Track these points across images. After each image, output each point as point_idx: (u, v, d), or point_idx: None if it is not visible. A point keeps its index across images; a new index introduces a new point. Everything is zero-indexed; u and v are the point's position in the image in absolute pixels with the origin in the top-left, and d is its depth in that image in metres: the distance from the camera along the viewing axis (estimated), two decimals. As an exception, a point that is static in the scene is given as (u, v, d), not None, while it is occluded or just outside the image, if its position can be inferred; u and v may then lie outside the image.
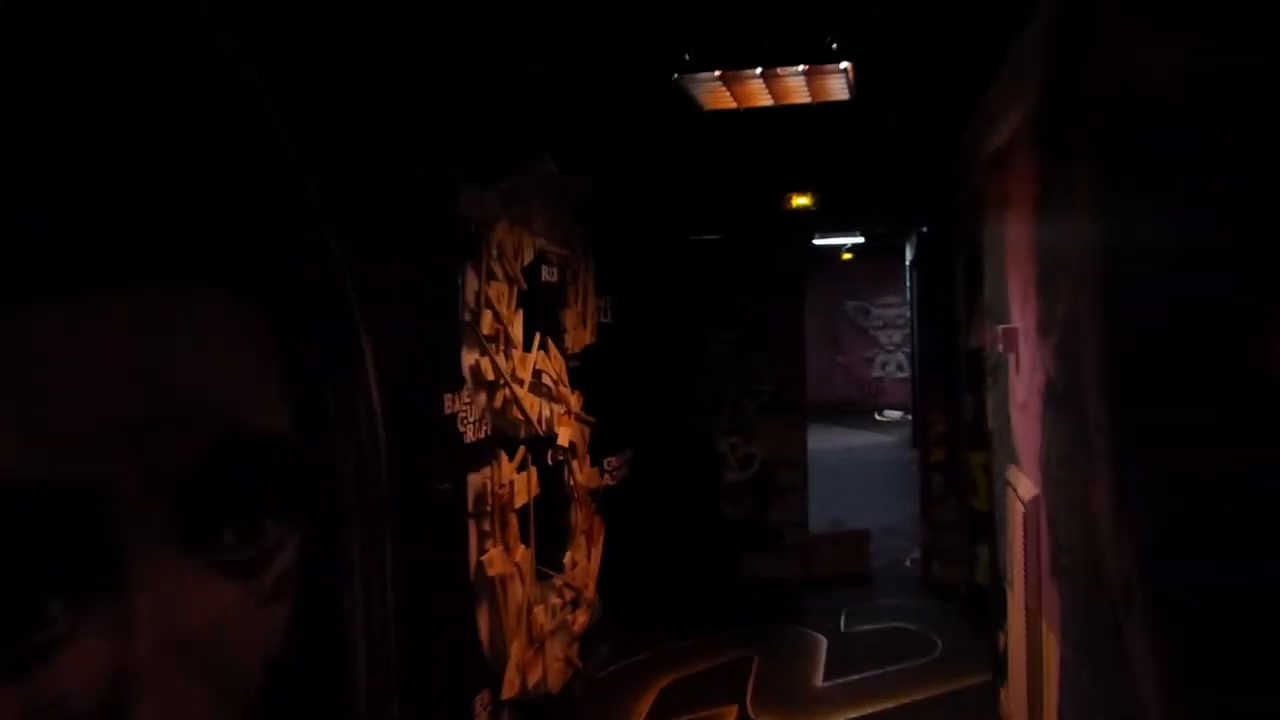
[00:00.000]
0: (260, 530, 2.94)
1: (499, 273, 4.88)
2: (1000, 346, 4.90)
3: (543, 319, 5.51)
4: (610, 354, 6.83)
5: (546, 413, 5.47)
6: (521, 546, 5.07)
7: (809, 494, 8.46)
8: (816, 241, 14.39)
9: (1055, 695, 3.97)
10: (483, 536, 4.68)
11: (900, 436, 16.40)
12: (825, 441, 15.18)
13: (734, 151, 6.97)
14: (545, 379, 5.45)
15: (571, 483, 5.96)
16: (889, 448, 15.66)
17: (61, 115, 2.25)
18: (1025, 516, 4.20)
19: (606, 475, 6.72)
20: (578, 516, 6.05)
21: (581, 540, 6.11)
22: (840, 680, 6.28)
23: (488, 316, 4.73)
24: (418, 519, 3.96)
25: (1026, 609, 4.29)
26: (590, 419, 6.27)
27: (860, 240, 15.08)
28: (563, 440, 5.65)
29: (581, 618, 6.01)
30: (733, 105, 5.30)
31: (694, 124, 5.94)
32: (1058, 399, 3.75)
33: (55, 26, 2.23)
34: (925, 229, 8.49)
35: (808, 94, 5.11)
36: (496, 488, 4.76)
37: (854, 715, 5.75)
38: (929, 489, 8.31)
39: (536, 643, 5.26)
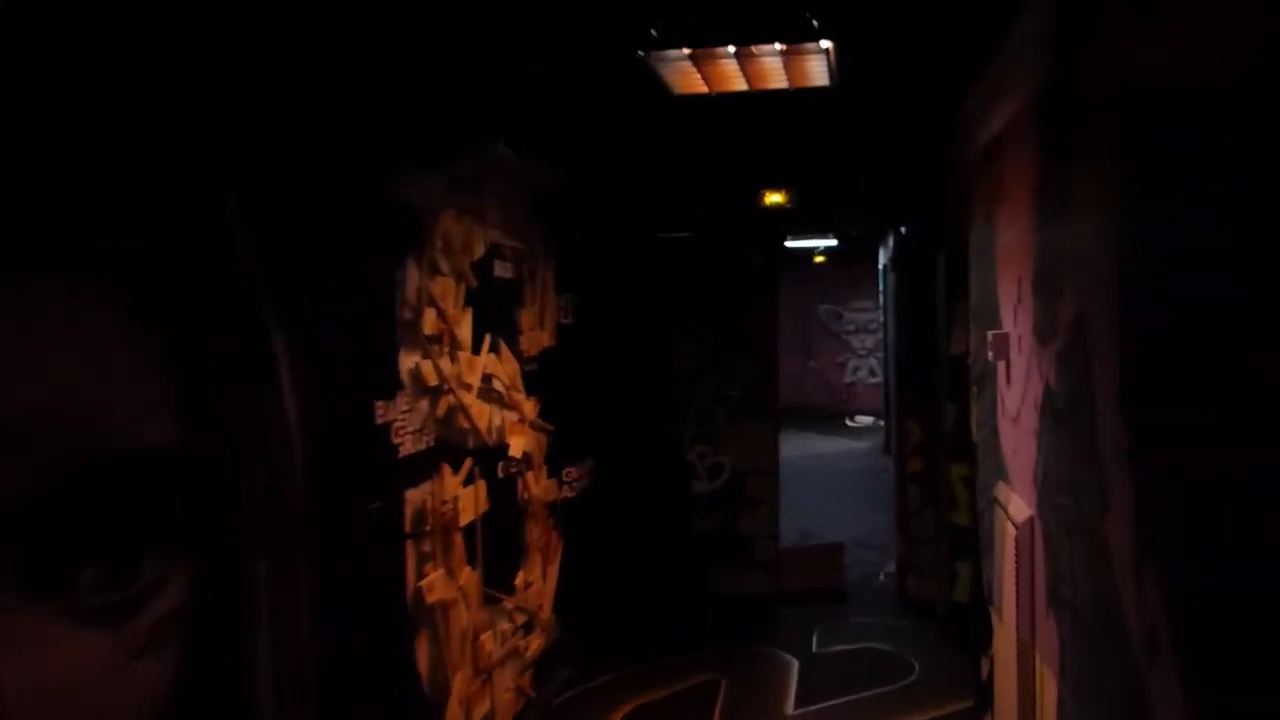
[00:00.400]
0: (134, 567, 2.48)
1: (444, 267, 4.43)
2: (989, 354, 4.52)
3: (495, 319, 5.06)
4: (571, 357, 6.39)
5: (498, 421, 5.03)
6: (467, 568, 4.62)
7: (780, 505, 8.09)
8: (789, 244, 14.06)
9: (1052, 740, 3.59)
10: (422, 559, 4.23)
11: (872, 443, 16.08)
12: (796, 447, 14.81)
13: (706, 143, 6.56)
14: (496, 384, 5.01)
15: (526, 496, 5.52)
16: (860, 454, 15.33)
17: None
18: (1018, 540, 3.82)
19: (565, 487, 6.28)
20: (533, 533, 5.61)
21: (537, 558, 5.67)
22: (812, 707, 5.88)
23: (430, 315, 4.28)
24: (344, 543, 3.51)
25: (1018, 640, 3.91)
26: (548, 427, 5.83)
27: (833, 243, 14.77)
28: (515, 451, 5.20)
29: (536, 642, 5.57)
30: (704, 89, 4.88)
31: (664, 111, 5.52)
32: (1059, 412, 3.37)
33: None
34: (904, 229, 8.12)
35: (785, 78, 4.71)
36: (438, 505, 4.31)
37: (827, 747, 5.35)
38: (905, 501, 7.94)
39: (484, 673, 4.81)
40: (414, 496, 4.18)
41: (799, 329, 19.28)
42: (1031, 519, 3.75)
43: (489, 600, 4.90)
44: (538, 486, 5.70)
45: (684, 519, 7.86)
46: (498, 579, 5.09)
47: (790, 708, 5.91)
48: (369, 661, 3.76)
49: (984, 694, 5.32)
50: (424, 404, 4.29)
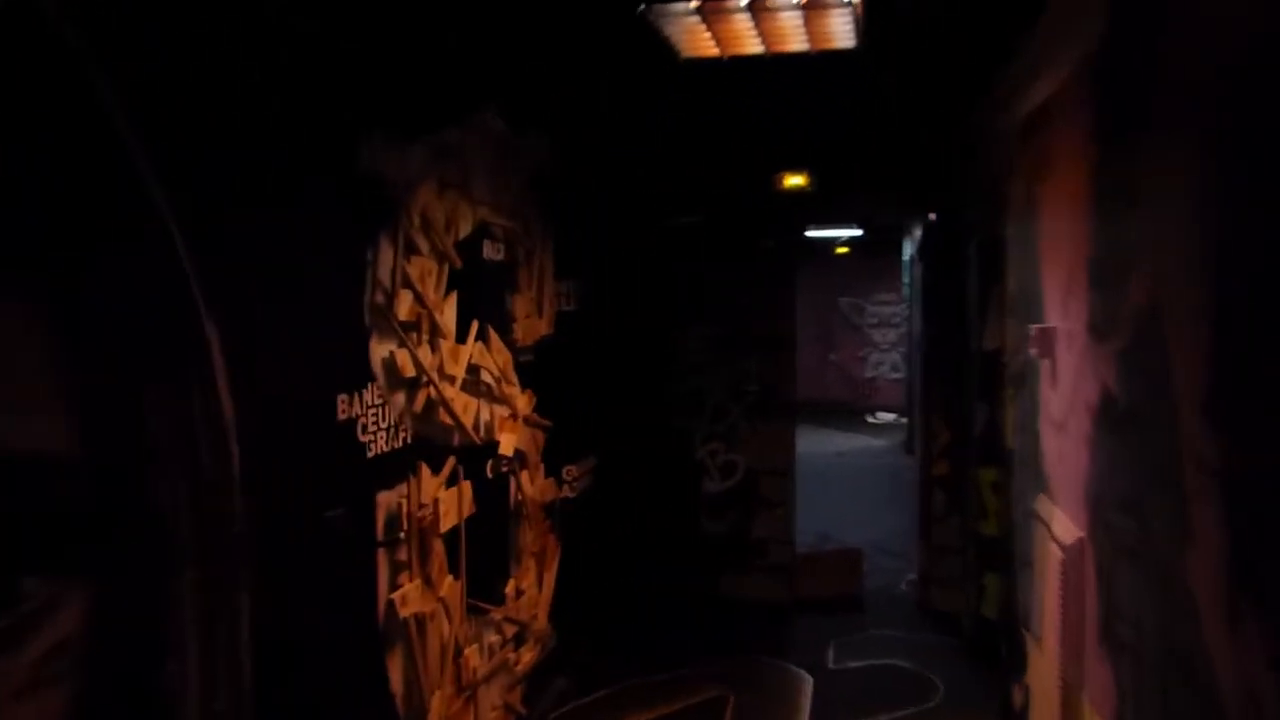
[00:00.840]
0: (10, 591, 2.06)
1: (423, 246, 3.99)
2: (1031, 350, 4.04)
3: (484, 305, 4.63)
4: (571, 347, 5.95)
5: (486, 416, 4.59)
6: (449, 578, 4.19)
7: (796, 506, 7.63)
8: (810, 233, 13.56)
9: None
10: (396, 569, 3.80)
11: (894, 440, 15.56)
12: (815, 444, 14.34)
13: (718, 117, 6.09)
14: (485, 376, 4.57)
15: (519, 497, 5.09)
16: (881, 452, 14.82)
17: None
18: (1064, 564, 3.34)
19: (565, 486, 5.85)
20: (526, 536, 5.18)
21: (530, 564, 5.23)
22: (827, 731, 5.44)
23: (406, 299, 3.84)
24: (296, 557, 3.08)
25: (1063, 680, 3.43)
26: (544, 423, 5.40)
27: (857, 233, 14.23)
28: (505, 449, 4.77)
29: (528, 655, 5.14)
30: (715, 51, 4.41)
31: (671, 79, 5.06)
32: (1120, 419, 2.89)
33: None
34: (933, 214, 7.61)
35: (806, 39, 4.23)
36: (414, 509, 3.88)
37: (842, 778, 4.90)
38: (929, 506, 7.46)
39: (467, 690, 4.39)
40: (387, 500, 3.75)
41: (819, 322, 18.80)
42: (1081, 541, 3.27)
43: (474, 611, 4.47)
44: (533, 487, 5.26)
45: (693, 520, 7.41)
46: (485, 588, 4.67)
47: (803, 730, 5.47)
48: (329, 685, 3.33)
49: (1016, 723, 4.86)
50: (399, 397, 3.85)
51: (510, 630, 4.87)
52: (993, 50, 4.43)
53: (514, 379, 4.95)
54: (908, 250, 14.24)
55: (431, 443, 4.13)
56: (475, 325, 4.47)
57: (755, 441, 7.47)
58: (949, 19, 4.18)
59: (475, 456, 4.54)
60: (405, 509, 3.83)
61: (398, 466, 3.83)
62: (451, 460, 4.22)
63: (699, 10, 3.84)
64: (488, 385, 4.60)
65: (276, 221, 3.00)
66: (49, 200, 2.22)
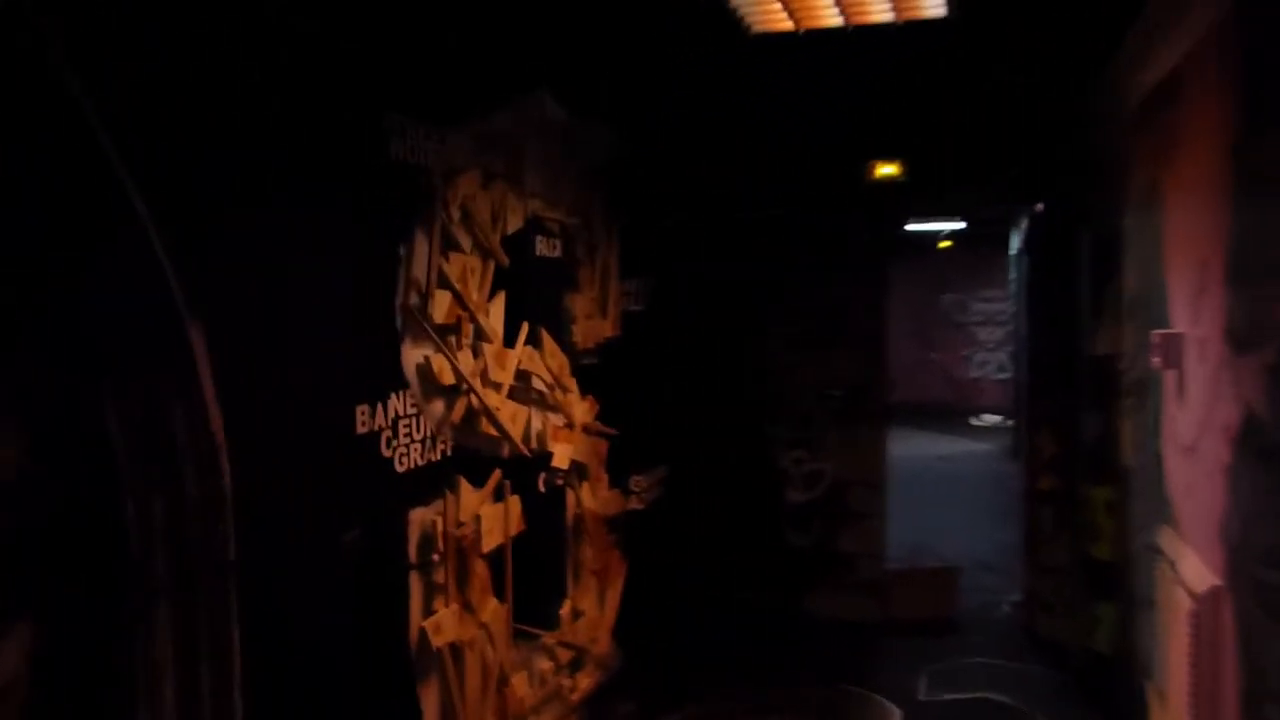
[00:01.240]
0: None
1: (464, 242, 3.68)
2: (1154, 360, 3.49)
3: (537, 306, 4.30)
4: (640, 350, 5.58)
5: (538, 426, 4.26)
6: (492, 601, 3.87)
7: (888, 520, 7.08)
8: (910, 227, 12.90)
9: None
10: (431, 593, 3.50)
11: (999, 445, 14.71)
12: (912, 448, 13.65)
13: (799, 101, 5.62)
14: (536, 382, 4.24)
15: (578, 511, 4.75)
16: (985, 458, 14.00)
17: None
18: (1196, 617, 2.81)
19: (632, 498, 5.48)
20: (586, 553, 4.84)
21: (591, 583, 4.89)
22: (915, 774, 4.94)
23: (444, 300, 3.53)
24: (306, 585, 2.80)
25: (1192, 750, 2.90)
26: (608, 431, 5.04)
27: (960, 226, 13.46)
28: (560, 460, 4.43)
29: (586, 680, 4.80)
30: (790, 26, 3.98)
31: (744, 58, 4.64)
32: (1270, 450, 2.37)
33: None
34: (1040, 205, 6.96)
35: (890, 8, 3.76)
36: (452, 527, 3.57)
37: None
38: (1035, 523, 6.82)
39: (515, 722, 4.07)
40: (421, 518, 3.45)
41: (919, 319, 18.02)
42: (1217, 591, 2.73)
43: (522, 637, 4.15)
44: (594, 500, 4.92)
45: (775, 533, 6.96)
46: (537, 611, 4.34)
47: (888, 773, 4.98)
48: (349, 724, 3.05)
49: (1132, 781, 4.28)
50: (437, 407, 3.55)
51: (565, 655, 4.53)
52: (1109, 12, 3.86)
53: (571, 385, 4.60)
54: (1015, 244, 13.42)
55: (476, 455, 3.83)
56: (525, 328, 4.14)
57: (843, 449, 6.97)
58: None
59: (527, 469, 4.22)
60: (440, 528, 3.52)
61: (433, 481, 3.52)
62: (497, 474, 3.90)
63: (766, -26, 3.42)
64: (540, 392, 4.27)
65: (281, 213, 2.71)
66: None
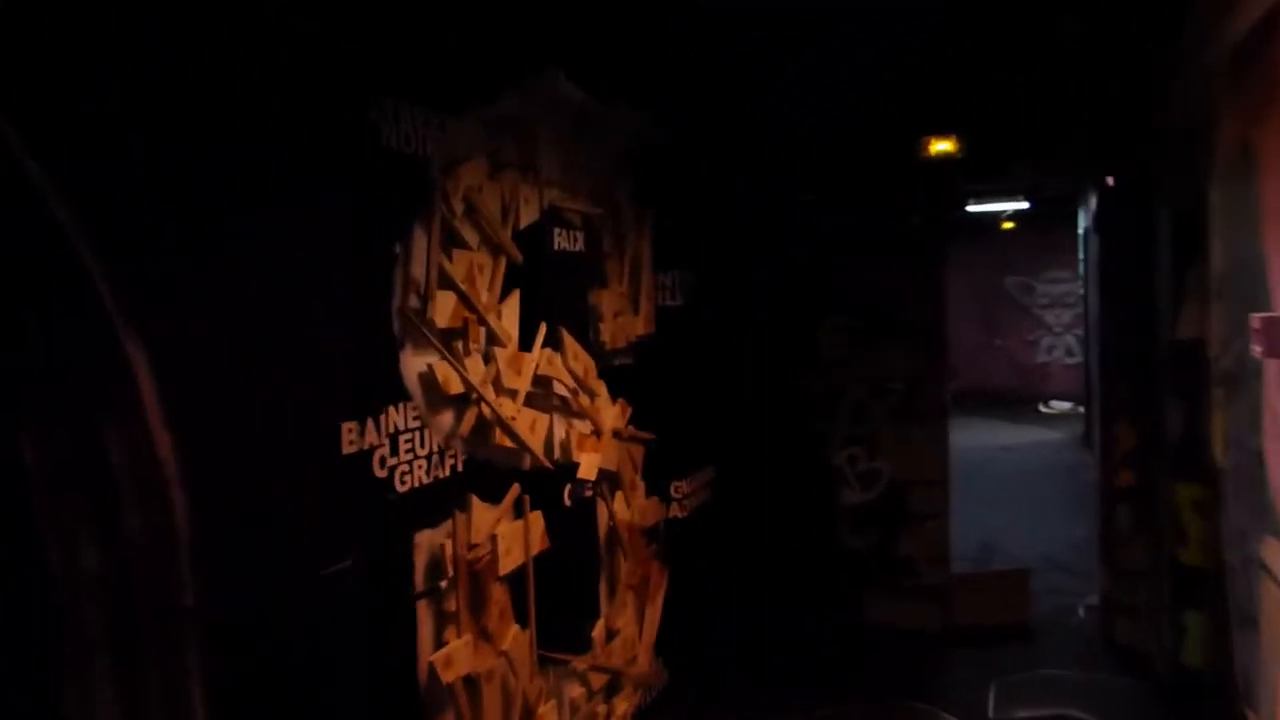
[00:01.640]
0: None
1: (470, 238, 3.37)
2: (1255, 348, 3.03)
3: (558, 304, 3.97)
4: (679, 347, 5.23)
5: (561, 434, 3.94)
6: (513, 627, 3.57)
7: (952, 517, 6.63)
8: (971, 208, 12.33)
9: None
10: (442, 622, 3.21)
11: (1070, 433, 14.05)
12: (976, 438, 13.08)
13: (846, 73, 5.20)
14: (558, 388, 3.92)
15: (611, 524, 4.42)
16: (1055, 447, 13.36)
17: None
18: (1317, 653, 2.38)
19: (673, 505, 5.14)
20: (622, 567, 4.51)
21: (627, 599, 4.56)
22: (985, 803, 4.53)
23: (448, 302, 3.23)
24: (284, 626, 2.51)
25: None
26: (643, 436, 4.70)
27: (1025, 206, 12.82)
28: (586, 471, 4.10)
29: (624, 705, 4.48)
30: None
31: (786, 30, 4.26)
32: None
33: None
34: (1110, 179, 6.43)
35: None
36: (463, 550, 3.28)
37: None
38: (1112, 523, 6.31)
39: (543, 755, 3.77)
40: (429, 540, 3.16)
41: (983, 303, 17.38)
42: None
43: (549, 664, 3.83)
44: (629, 510, 4.59)
45: (830, 536, 6.56)
46: (568, 634, 4.03)
47: (955, 803, 4.57)
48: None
49: (1232, 817, 3.82)
50: (444, 419, 3.25)
51: (599, 680, 4.21)
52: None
53: (599, 388, 4.27)
54: (1083, 222, 12.76)
55: (492, 469, 3.52)
56: (543, 329, 3.81)
57: (901, 447, 6.53)
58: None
59: (550, 482, 3.90)
60: (450, 551, 3.22)
61: (441, 501, 3.23)
62: (515, 489, 3.59)
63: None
64: (562, 398, 3.94)
65: (247, 211, 2.42)
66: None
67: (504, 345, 3.54)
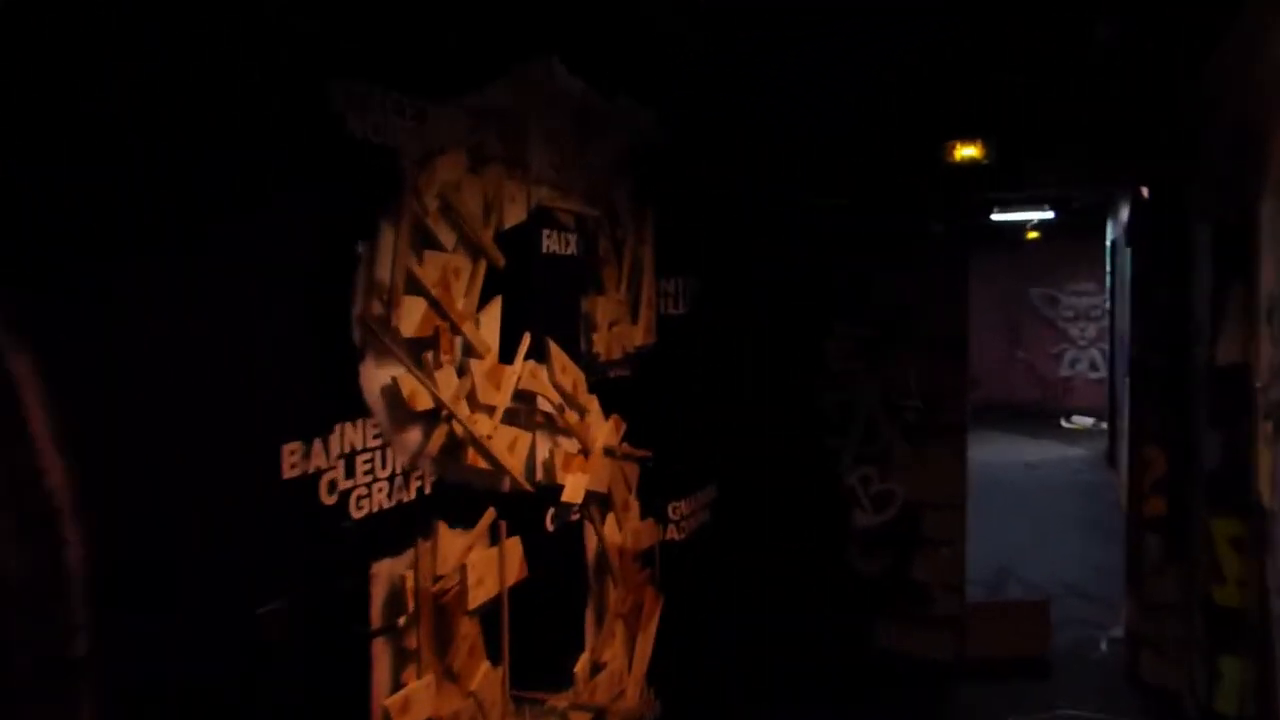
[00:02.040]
0: None
1: (445, 239, 3.07)
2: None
3: (543, 312, 3.67)
4: (681, 358, 4.92)
5: (544, 454, 3.64)
6: (484, 665, 3.27)
7: (968, 537, 6.27)
8: (995, 217, 11.98)
9: None
10: (402, 661, 2.91)
11: (1093, 450, 13.66)
12: (997, 453, 12.72)
13: (864, 72, 4.88)
14: (542, 403, 3.61)
15: (599, 548, 4.11)
16: (1078, 464, 12.98)
17: None
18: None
19: (670, 527, 4.83)
20: (611, 595, 4.20)
21: (617, 629, 4.25)
22: None
23: (416, 308, 2.93)
24: (204, 675, 2.21)
25: None
26: (638, 454, 4.39)
27: (1051, 215, 12.44)
28: (572, 494, 3.79)
29: (610, 742, 4.17)
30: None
31: (802, 23, 3.94)
32: None
33: None
34: (1144, 190, 6.07)
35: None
36: (426, 581, 2.98)
37: None
38: (1140, 552, 5.96)
39: (517, 801, 3.46)
40: (388, 571, 2.86)
41: (1005, 315, 17.03)
42: None
43: (524, 703, 3.53)
44: (621, 533, 4.28)
45: (839, 561, 6.23)
46: (548, 670, 3.72)
47: None
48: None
49: None
50: (410, 437, 2.95)
51: (583, 718, 3.90)
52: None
53: (589, 404, 3.97)
54: (1112, 233, 12.36)
55: (466, 492, 3.22)
56: (527, 339, 3.51)
57: (916, 467, 6.20)
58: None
59: (533, 505, 3.60)
60: (412, 582, 2.93)
61: (404, 527, 2.93)
62: (489, 513, 3.29)
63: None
64: (547, 415, 3.64)
65: (170, 204, 2.12)
66: None
67: (481, 357, 3.24)
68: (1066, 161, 6.03)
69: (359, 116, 2.73)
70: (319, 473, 2.56)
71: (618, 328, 4.24)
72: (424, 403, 2.97)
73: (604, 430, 4.08)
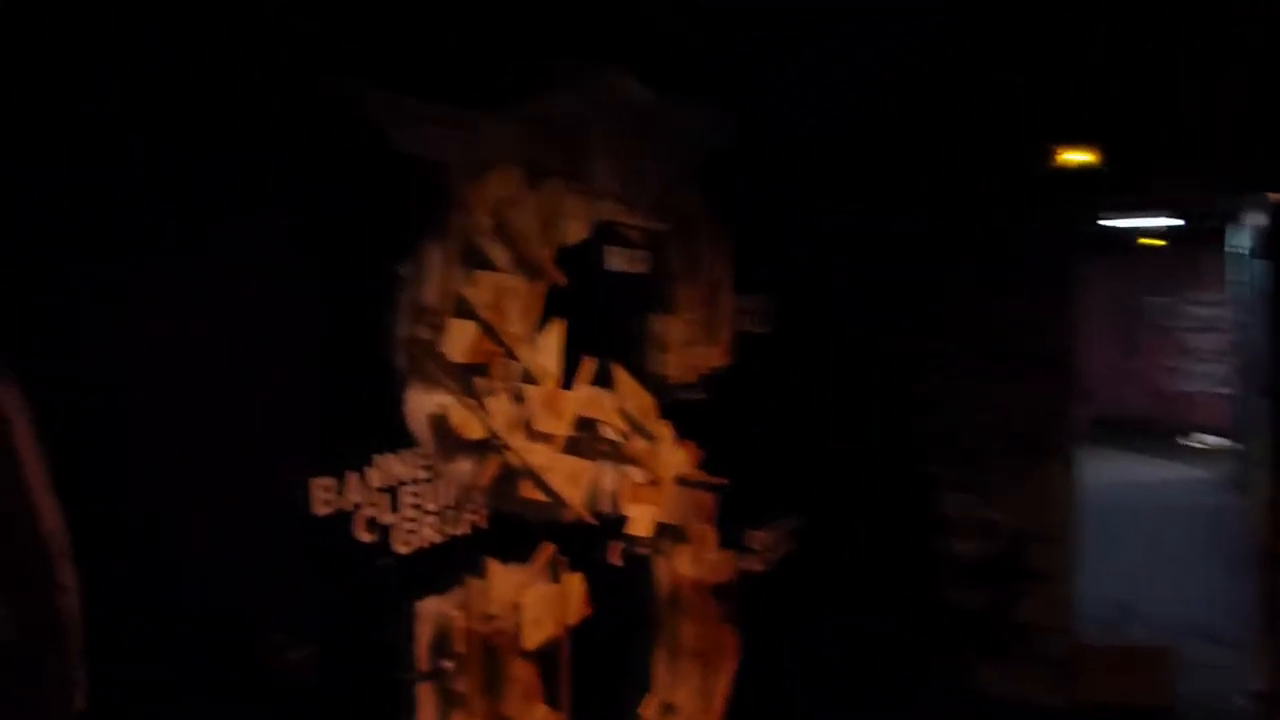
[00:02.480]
0: None
1: (499, 258, 2.89)
2: None
3: (608, 334, 3.46)
4: (764, 379, 4.65)
5: (608, 484, 3.42)
6: (540, 710, 3.06)
7: (1081, 567, 5.80)
8: (1110, 222, 11.30)
9: None
10: (448, 706, 2.73)
11: (1217, 472, 12.73)
12: (1111, 473, 11.96)
13: (961, 70, 4.54)
14: (606, 430, 3.40)
15: (671, 582, 3.87)
16: (1201, 488, 12.11)
17: None
18: None
19: (751, 558, 4.55)
20: (684, 632, 3.95)
21: (690, 669, 4.00)
22: None
23: (465, 332, 2.76)
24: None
25: None
26: (713, 481, 4.14)
27: (1171, 222, 11.69)
28: (639, 526, 3.56)
29: (682, 791, 3.92)
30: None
31: (888, 18, 3.66)
32: None
33: None
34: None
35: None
36: (476, 621, 2.79)
37: None
38: (1278, 594, 5.40)
39: None
40: (435, 611, 2.69)
41: (1120, 323, 16.17)
42: None
43: (587, 751, 3.31)
44: (695, 565, 4.03)
45: (935, 595, 5.83)
46: (614, 713, 3.50)
47: None
48: None
49: None
50: (461, 467, 2.78)
51: (651, 765, 3.66)
52: None
53: (660, 430, 3.74)
54: (1240, 240, 11.53)
55: (524, 525, 3.03)
56: (589, 363, 3.30)
57: (1020, 494, 5.77)
58: None
59: (596, 537, 3.38)
60: (460, 622, 2.74)
61: (453, 563, 2.75)
62: (547, 549, 3.09)
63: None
64: (612, 442, 3.42)
65: (185, 215, 1.98)
66: None
67: (539, 382, 3.05)
68: (1187, 166, 5.53)
69: (402, 129, 2.57)
70: (355, 508, 2.39)
71: (692, 348, 4.00)
72: (475, 431, 2.79)
73: (676, 457, 3.84)
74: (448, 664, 2.69)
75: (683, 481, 3.90)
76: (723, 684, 4.25)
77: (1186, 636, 6.47)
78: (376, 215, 2.50)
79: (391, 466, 2.54)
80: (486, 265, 2.84)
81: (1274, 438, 5.73)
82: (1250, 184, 6.02)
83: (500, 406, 2.89)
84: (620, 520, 3.48)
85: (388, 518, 2.52)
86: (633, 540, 3.55)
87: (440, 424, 2.70)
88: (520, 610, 2.96)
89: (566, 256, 3.18)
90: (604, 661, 3.37)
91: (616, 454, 3.46)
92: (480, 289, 2.81)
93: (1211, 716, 5.67)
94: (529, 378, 3.02)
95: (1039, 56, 4.61)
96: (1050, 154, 5.37)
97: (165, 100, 1.93)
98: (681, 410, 3.90)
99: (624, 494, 3.47)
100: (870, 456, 5.69)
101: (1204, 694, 5.88)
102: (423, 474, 2.64)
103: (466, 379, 2.77)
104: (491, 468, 2.86)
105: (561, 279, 3.13)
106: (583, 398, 3.25)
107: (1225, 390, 15.03)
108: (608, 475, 3.41)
